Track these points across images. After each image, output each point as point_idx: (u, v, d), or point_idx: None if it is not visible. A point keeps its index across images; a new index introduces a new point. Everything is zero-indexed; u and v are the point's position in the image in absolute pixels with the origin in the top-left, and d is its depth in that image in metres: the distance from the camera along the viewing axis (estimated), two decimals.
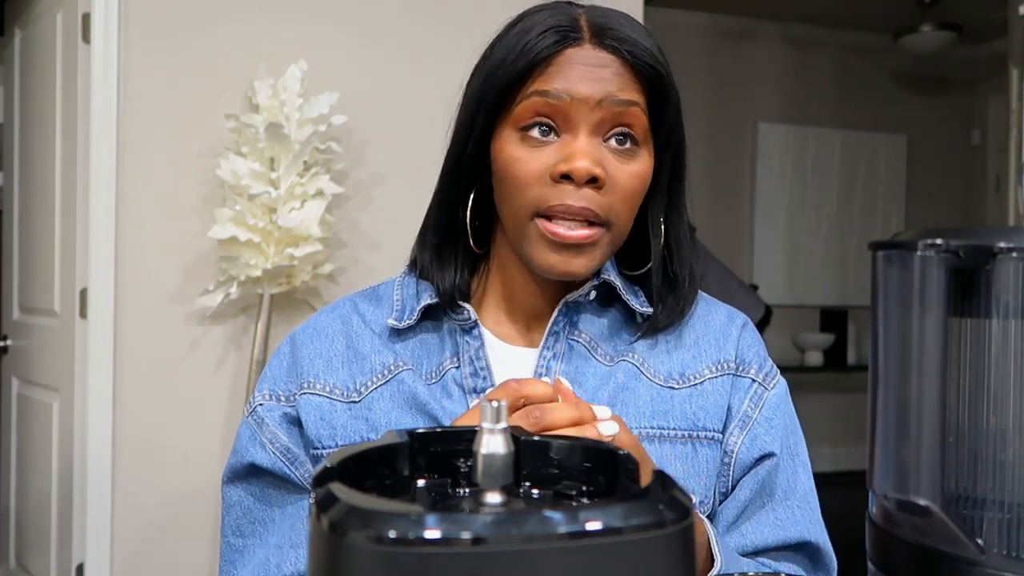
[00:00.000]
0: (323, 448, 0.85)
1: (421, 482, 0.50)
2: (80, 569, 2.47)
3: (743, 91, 5.61)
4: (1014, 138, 3.12)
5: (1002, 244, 0.47)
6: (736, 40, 5.60)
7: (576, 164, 0.78)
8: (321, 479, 0.42)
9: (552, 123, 0.80)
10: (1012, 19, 3.22)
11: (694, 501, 0.84)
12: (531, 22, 0.82)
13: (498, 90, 0.82)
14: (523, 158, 0.80)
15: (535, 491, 0.49)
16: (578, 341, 0.88)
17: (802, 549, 0.87)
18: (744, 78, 5.62)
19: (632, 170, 0.81)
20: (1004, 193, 3.38)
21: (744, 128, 5.66)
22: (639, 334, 0.89)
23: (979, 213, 6.00)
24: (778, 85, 5.69)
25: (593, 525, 0.37)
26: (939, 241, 0.47)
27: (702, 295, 0.94)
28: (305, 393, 0.87)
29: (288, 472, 0.87)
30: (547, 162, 0.80)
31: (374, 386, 0.86)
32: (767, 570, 0.84)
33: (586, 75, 0.80)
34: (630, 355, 0.88)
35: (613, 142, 0.81)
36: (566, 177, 0.79)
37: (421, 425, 0.83)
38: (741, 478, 0.87)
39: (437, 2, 2.74)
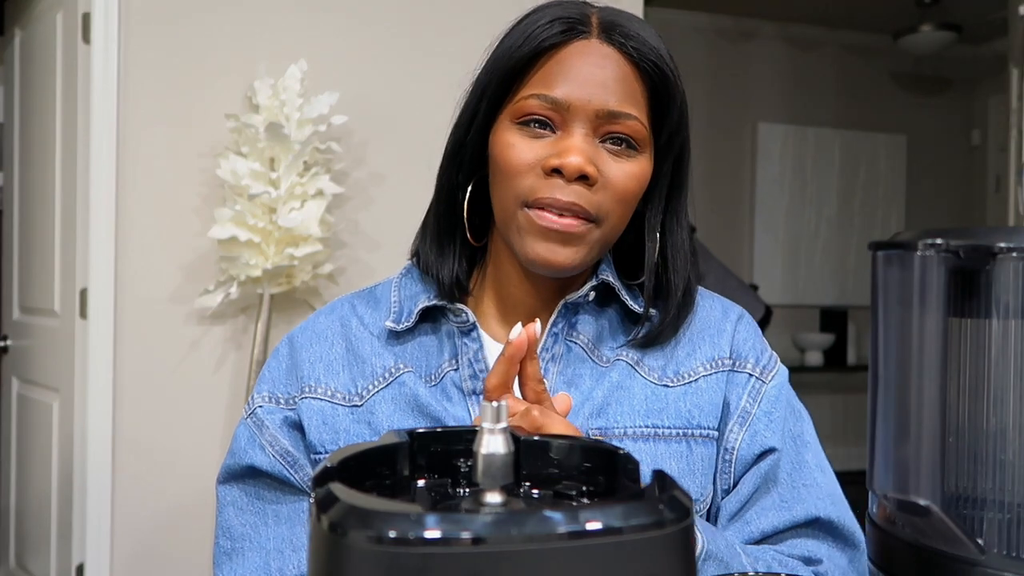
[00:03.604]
0: (325, 453, 0.85)
1: (421, 482, 0.50)
2: (80, 569, 2.47)
3: (743, 91, 5.61)
4: (1014, 138, 3.12)
5: (1002, 244, 0.47)
6: (736, 40, 5.60)
7: (568, 159, 0.78)
8: (321, 479, 0.42)
9: (551, 120, 0.81)
10: (1012, 19, 3.22)
11: None
12: (542, 12, 0.83)
13: (501, 77, 0.82)
14: (517, 145, 0.81)
15: (535, 491, 0.49)
16: (576, 343, 0.87)
17: (814, 526, 0.85)
18: (744, 78, 5.62)
19: (628, 170, 0.81)
20: (1004, 193, 3.38)
21: (744, 128, 5.65)
22: (634, 335, 0.88)
23: (979, 213, 6.00)
24: (778, 85, 5.69)
25: (593, 525, 0.37)
26: (939, 241, 0.47)
27: (698, 289, 0.93)
28: (306, 397, 0.87)
29: (288, 475, 0.86)
30: (540, 154, 0.80)
31: (376, 390, 0.86)
32: (764, 571, 0.83)
33: (588, 78, 0.79)
34: (625, 354, 0.87)
35: (610, 143, 0.81)
36: (557, 171, 0.79)
37: (423, 428, 0.83)
38: (743, 475, 0.86)
39: (437, 2, 2.74)
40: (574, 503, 0.48)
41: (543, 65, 0.81)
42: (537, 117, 0.80)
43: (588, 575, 0.36)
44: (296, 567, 0.85)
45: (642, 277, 0.88)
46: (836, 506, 0.86)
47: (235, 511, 0.88)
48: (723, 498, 0.87)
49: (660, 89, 0.82)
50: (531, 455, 0.49)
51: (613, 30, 0.81)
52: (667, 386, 0.86)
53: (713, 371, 0.88)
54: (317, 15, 2.63)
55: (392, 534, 0.36)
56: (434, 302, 0.87)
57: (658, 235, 0.87)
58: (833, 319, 5.74)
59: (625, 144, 0.81)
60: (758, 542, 0.84)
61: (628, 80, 0.81)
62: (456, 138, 0.87)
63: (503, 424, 0.43)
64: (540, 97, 0.80)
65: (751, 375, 0.89)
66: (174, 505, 2.52)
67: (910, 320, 0.48)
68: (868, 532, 0.55)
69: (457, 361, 0.86)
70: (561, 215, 0.79)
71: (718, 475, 0.86)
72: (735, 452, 0.86)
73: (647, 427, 0.84)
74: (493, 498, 0.43)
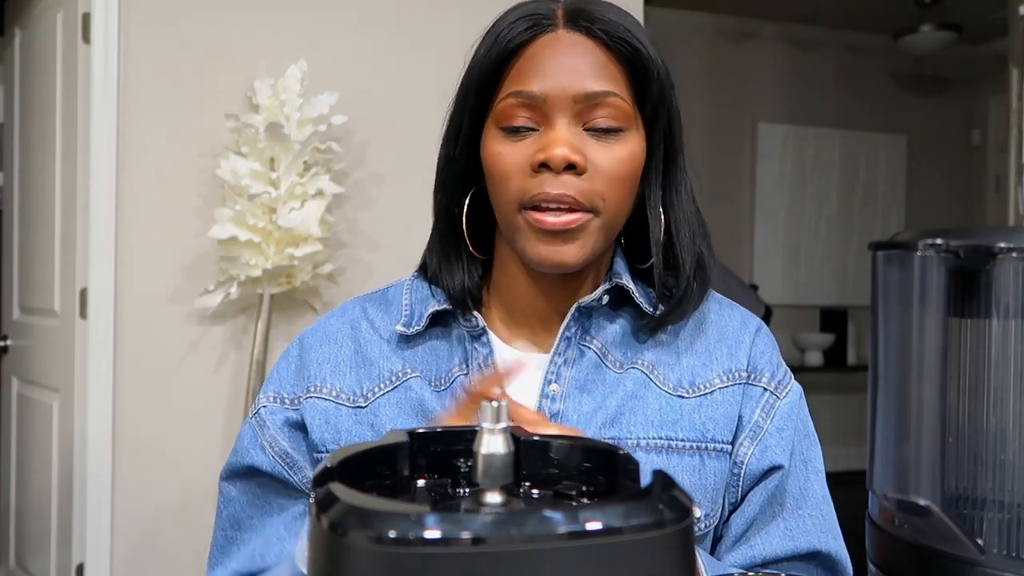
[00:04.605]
0: (327, 452, 0.85)
1: (421, 482, 0.50)
2: (80, 569, 2.47)
3: (743, 91, 5.61)
4: (1014, 138, 3.12)
5: (1002, 244, 0.47)
6: (736, 40, 5.60)
7: (552, 152, 0.77)
8: (321, 479, 0.42)
9: (532, 118, 0.80)
10: (1012, 19, 3.22)
11: (698, 515, 0.82)
12: (508, 14, 0.83)
13: (478, 86, 0.82)
14: (505, 152, 0.80)
15: (535, 491, 0.49)
16: (589, 347, 0.86)
17: (814, 559, 0.85)
18: (744, 78, 5.62)
19: (617, 154, 0.80)
20: (1004, 193, 3.38)
21: (744, 128, 5.66)
22: (649, 329, 0.87)
23: (979, 213, 6.01)
24: (778, 85, 5.69)
25: (593, 525, 0.37)
26: (939, 241, 0.47)
27: (716, 296, 0.91)
28: (311, 397, 0.87)
29: (287, 476, 0.87)
30: (527, 153, 0.80)
31: (381, 392, 0.85)
32: (768, 571, 0.83)
33: (561, 67, 0.79)
34: (640, 362, 0.86)
35: (595, 128, 0.80)
36: (545, 166, 0.78)
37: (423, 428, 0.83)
38: (751, 489, 0.86)
39: (437, 2, 2.74)
40: (574, 503, 0.48)
41: (515, 65, 0.81)
42: (520, 122, 0.80)
43: (588, 575, 0.36)
44: (275, 555, 0.85)
45: (652, 259, 0.87)
46: (836, 541, 0.87)
47: (239, 506, 0.89)
48: (730, 513, 0.86)
49: (635, 63, 0.81)
50: (531, 455, 0.49)
51: (578, 17, 0.81)
52: (682, 397, 0.85)
53: (729, 383, 0.86)
54: (317, 15, 2.63)
55: (392, 534, 0.36)
56: (444, 306, 0.87)
57: (661, 212, 0.86)
58: (833, 319, 5.74)
59: (611, 126, 0.80)
60: (759, 566, 0.85)
61: (602, 62, 0.80)
62: (446, 154, 0.87)
63: (503, 424, 0.43)
64: (517, 94, 0.80)
65: (766, 389, 0.87)
66: (174, 505, 2.52)
67: (910, 320, 0.48)
68: (868, 532, 0.55)
69: (467, 365, 0.86)
70: (557, 213, 0.78)
71: (727, 490, 0.86)
72: (744, 466, 0.85)
73: (661, 439, 0.83)
74: (493, 498, 0.43)
